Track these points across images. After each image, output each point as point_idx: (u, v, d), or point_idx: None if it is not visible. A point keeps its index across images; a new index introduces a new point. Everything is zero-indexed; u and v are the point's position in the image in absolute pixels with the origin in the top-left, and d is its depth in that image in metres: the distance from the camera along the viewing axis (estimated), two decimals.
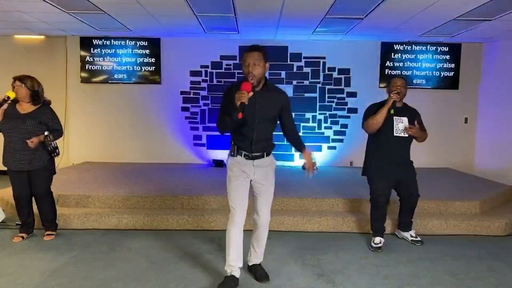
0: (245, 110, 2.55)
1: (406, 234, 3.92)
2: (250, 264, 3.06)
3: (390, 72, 6.92)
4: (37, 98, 3.67)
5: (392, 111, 3.54)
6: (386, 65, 6.96)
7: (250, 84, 2.59)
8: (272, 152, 2.93)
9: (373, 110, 3.63)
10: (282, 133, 2.98)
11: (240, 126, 2.74)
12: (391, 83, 3.64)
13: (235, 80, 6.84)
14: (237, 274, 2.84)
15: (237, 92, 2.55)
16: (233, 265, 2.82)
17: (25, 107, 3.66)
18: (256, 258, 3.04)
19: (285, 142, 6.95)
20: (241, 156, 2.80)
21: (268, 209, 2.91)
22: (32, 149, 3.60)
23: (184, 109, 7.11)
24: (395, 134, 3.57)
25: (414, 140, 3.69)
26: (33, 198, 3.84)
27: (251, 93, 2.56)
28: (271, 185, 2.90)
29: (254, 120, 2.73)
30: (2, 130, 3.66)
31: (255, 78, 2.64)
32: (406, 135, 3.57)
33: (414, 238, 3.87)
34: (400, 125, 3.57)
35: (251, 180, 2.85)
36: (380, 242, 3.74)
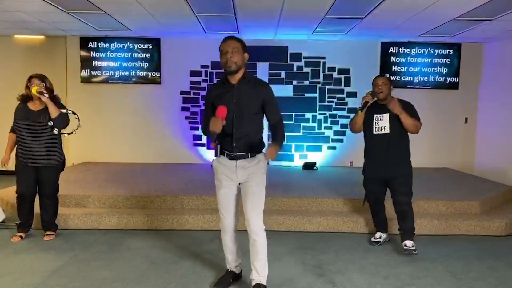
0: (220, 102, 2.53)
1: (402, 244, 3.56)
2: (252, 283, 2.71)
3: (390, 72, 6.93)
4: (52, 98, 3.72)
5: (360, 113, 3.52)
6: (386, 65, 6.96)
7: (225, 108, 2.49)
8: (264, 152, 2.69)
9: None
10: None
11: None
12: (373, 82, 3.61)
13: None
14: (237, 270, 2.92)
15: (211, 119, 2.50)
16: (232, 264, 2.90)
17: (38, 105, 3.72)
18: (256, 276, 2.69)
19: (285, 142, 7.00)
20: (224, 156, 2.68)
21: (256, 214, 2.63)
22: (47, 146, 3.70)
23: (184, 109, 7.11)
24: (374, 132, 3.54)
25: (408, 135, 3.56)
26: (35, 197, 3.85)
27: (224, 122, 2.49)
28: (257, 185, 2.64)
29: (233, 114, 2.58)
30: (18, 129, 3.72)
31: (236, 64, 2.54)
32: (387, 132, 3.49)
33: (406, 247, 3.51)
34: (380, 122, 3.51)
35: (239, 183, 2.70)
36: (380, 237, 3.81)
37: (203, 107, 7.06)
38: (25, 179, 3.74)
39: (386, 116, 3.50)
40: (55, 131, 3.72)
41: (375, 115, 3.55)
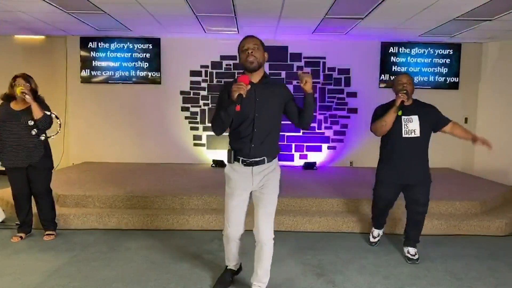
0: (243, 104, 2.36)
1: (405, 249, 3.53)
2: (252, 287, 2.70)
3: (390, 72, 6.92)
4: (36, 98, 3.68)
5: (400, 112, 3.26)
6: (386, 65, 6.95)
7: (247, 77, 2.41)
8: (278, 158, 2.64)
9: (381, 112, 3.38)
10: (299, 126, 2.68)
11: (238, 124, 2.52)
12: (396, 81, 3.39)
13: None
14: (235, 267, 2.96)
15: (234, 84, 2.37)
16: (231, 262, 2.92)
17: (20, 105, 3.68)
18: (258, 280, 2.66)
19: (285, 142, 7.02)
20: (239, 162, 2.56)
21: (268, 222, 2.56)
22: (29, 145, 3.65)
23: (184, 109, 7.11)
24: (403, 136, 3.30)
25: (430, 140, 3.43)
26: (32, 197, 3.86)
27: (248, 86, 2.37)
28: (271, 194, 2.58)
29: (254, 113, 2.48)
30: (0, 129, 3.67)
31: (257, 60, 2.45)
32: (418, 135, 3.29)
33: (409, 256, 3.48)
34: (410, 125, 3.29)
35: (251, 191, 2.63)
36: (378, 235, 3.79)
37: (203, 107, 7.12)
38: (16, 180, 3.74)
39: (415, 118, 3.30)
40: (33, 131, 3.65)
41: (402, 117, 3.30)
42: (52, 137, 3.88)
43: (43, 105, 3.72)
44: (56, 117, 3.91)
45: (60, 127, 3.96)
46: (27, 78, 3.69)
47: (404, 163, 3.34)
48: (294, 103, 2.64)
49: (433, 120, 3.37)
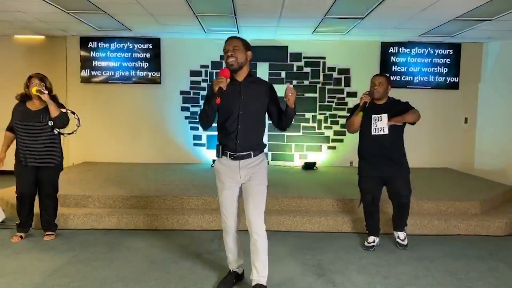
0: (228, 101, 2.51)
1: (395, 234, 3.76)
2: (252, 284, 2.69)
3: (390, 72, 6.92)
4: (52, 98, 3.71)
5: (360, 113, 3.47)
6: (386, 65, 6.95)
7: (228, 70, 2.54)
8: (265, 152, 2.72)
9: (353, 111, 3.63)
10: (277, 127, 2.79)
11: (224, 120, 2.63)
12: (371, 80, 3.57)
13: None
14: (239, 271, 2.92)
15: (214, 80, 2.50)
16: (233, 264, 2.89)
17: (37, 105, 3.72)
18: (256, 275, 2.67)
19: (285, 142, 7.02)
20: (226, 156, 2.65)
21: (258, 213, 2.62)
22: (47, 146, 3.70)
23: (184, 109, 7.11)
24: (373, 133, 3.48)
25: (403, 134, 3.57)
26: (34, 197, 3.85)
27: (228, 80, 2.51)
28: (259, 185, 2.66)
29: (239, 111, 2.58)
30: (18, 129, 3.68)
31: (237, 61, 2.54)
32: (386, 133, 3.45)
33: (399, 241, 3.69)
34: (379, 123, 3.45)
35: (241, 184, 2.70)
36: (374, 241, 3.72)
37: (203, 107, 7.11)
38: (25, 180, 3.73)
39: (385, 116, 3.45)
40: (56, 131, 3.73)
41: (373, 116, 3.48)
42: (74, 132, 3.99)
43: (59, 104, 3.76)
44: (72, 112, 3.93)
45: (79, 121, 3.98)
46: (42, 78, 3.71)
47: (376, 159, 3.54)
48: (277, 103, 2.72)
49: (400, 113, 3.47)
